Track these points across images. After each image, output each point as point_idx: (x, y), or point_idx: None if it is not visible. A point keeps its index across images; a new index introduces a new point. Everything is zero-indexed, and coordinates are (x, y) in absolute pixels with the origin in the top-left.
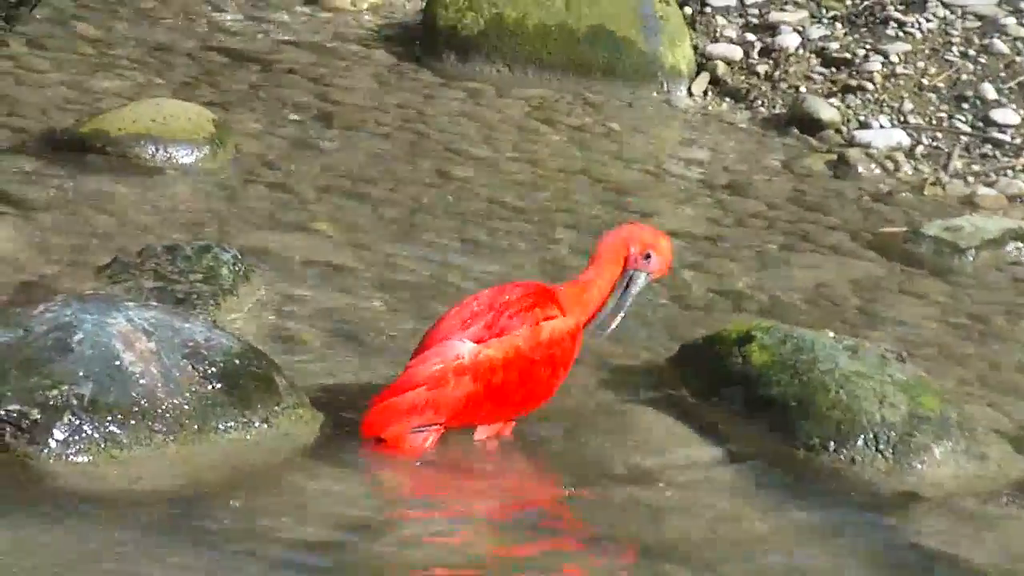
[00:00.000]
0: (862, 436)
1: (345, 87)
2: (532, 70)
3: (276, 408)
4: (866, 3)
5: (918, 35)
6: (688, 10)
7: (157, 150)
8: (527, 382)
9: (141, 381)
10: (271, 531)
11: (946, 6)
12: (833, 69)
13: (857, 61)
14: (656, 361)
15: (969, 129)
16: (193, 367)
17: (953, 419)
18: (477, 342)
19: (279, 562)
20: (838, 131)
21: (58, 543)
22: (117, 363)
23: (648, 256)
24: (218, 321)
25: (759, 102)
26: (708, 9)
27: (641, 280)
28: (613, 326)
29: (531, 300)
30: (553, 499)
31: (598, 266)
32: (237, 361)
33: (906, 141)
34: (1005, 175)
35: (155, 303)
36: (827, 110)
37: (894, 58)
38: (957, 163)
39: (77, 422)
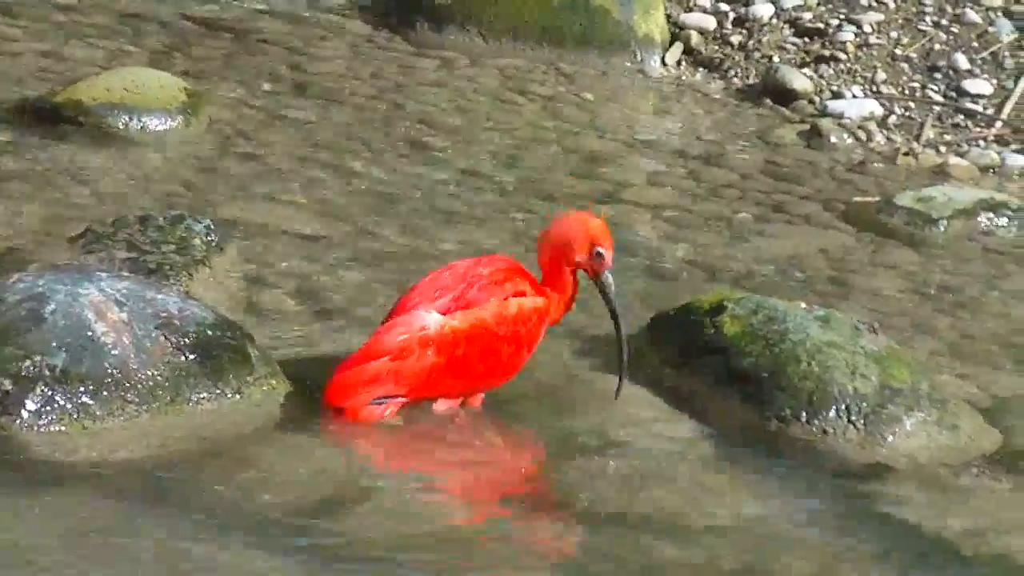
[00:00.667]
0: (834, 407)
1: (319, 57)
2: (506, 40)
3: (248, 379)
4: None
5: (891, 5)
6: None
7: (130, 119)
8: (490, 357)
9: (113, 352)
10: (242, 502)
11: None
12: (806, 39)
13: (830, 31)
14: (630, 331)
15: (941, 99)
16: (165, 338)
17: (924, 390)
18: (444, 314)
19: (251, 532)
20: (811, 101)
21: (30, 513)
22: (89, 334)
23: (599, 254)
24: (191, 292)
25: (732, 72)
26: None
27: (610, 278)
28: (625, 332)
29: (502, 275)
30: (525, 469)
31: (551, 277)
32: (210, 332)
33: (879, 111)
34: (977, 145)
35: (128, 273)
36: (800, 80)
37: (867, 28)
38: (929, 133)
39: (50, 393)
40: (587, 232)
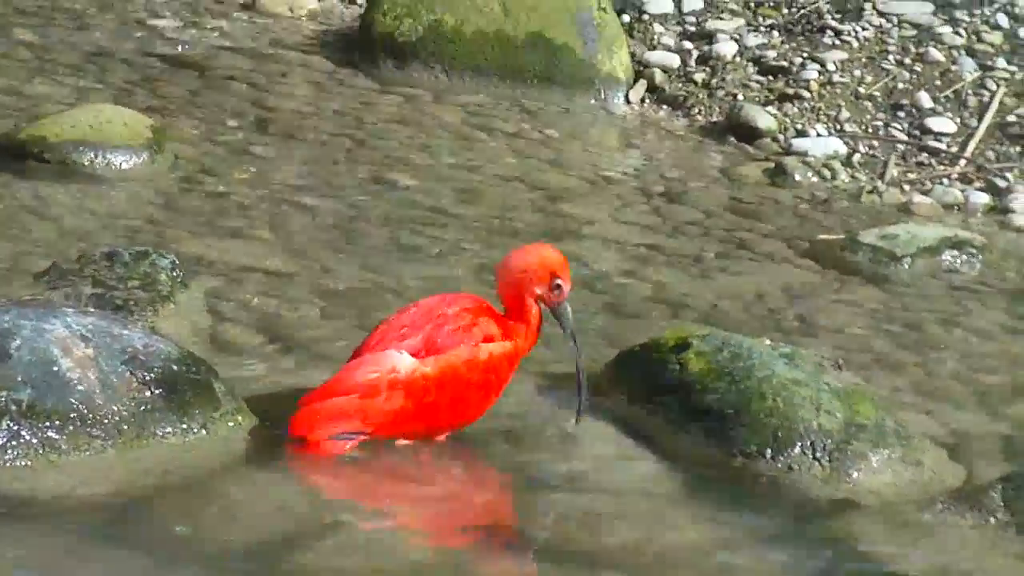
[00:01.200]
0: (799, 444)
1: (283, 93)
2: (469, 76)
3: (214, 414)
4: (803, 11)
5: (855, 43)
6: (626, 17)
7: (95, 156)
8: (458, 403)
9: (79, 387)
10: (207, 537)
11: (882, 15)
12: (770, 77)
13: (794, 69)
14: (592, 368)
15: (905, 137)
16: (131, 373)
17: (889, 427)
18: (414, 355)
19: (216, 569)
20: (775, 139)
21: None
22: (55, 369)
23: (558, 286)
24: (156, 327)
25: (696, 110)
26: (646, 17)
27: (567, 310)
28: (582, 359)
29: (470, 316)
30: (487, 505)
31: (514, 312)
32: (175, 367)
33: (843, 149)
34: (941, 183)
35: (93, 309)
36: (764, 118)
37: (831, 66)
38: (893, 171)
39: (15, 427)
40: (545, 264)
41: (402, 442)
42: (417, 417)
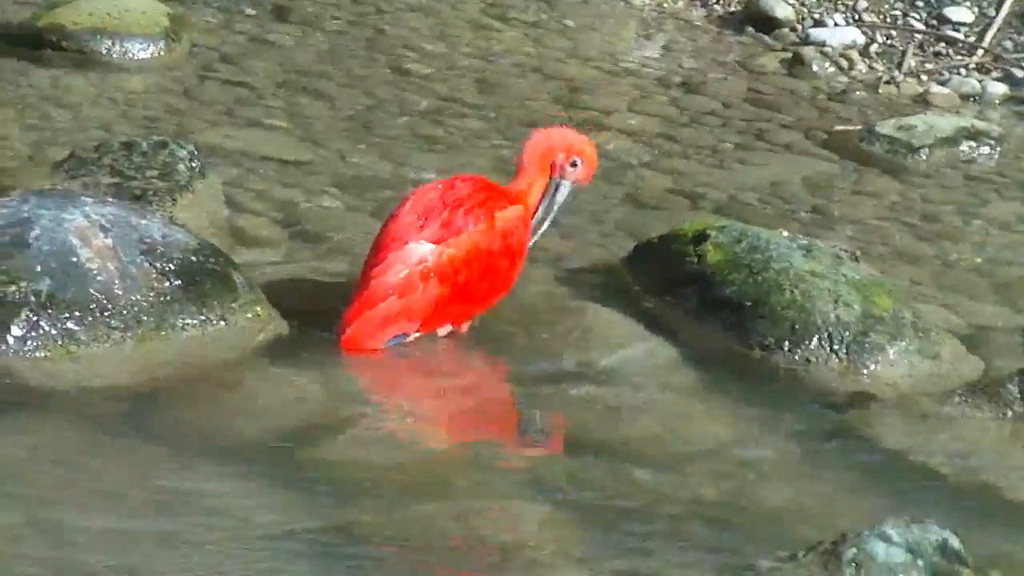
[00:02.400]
0: (816, 336)
1: None
2: None
3: (233, 305)
4: None
5: None
6: None
7: (113, 44)
8: (489, 275)
9: (98, 277)
10: (226, 429)
11: None
12: None
13: None
14: (611, 260)
15: (923, 27)
16: (150, 264)
17: (907, 318)
18: (436, 243)
19: (233, 460)
20: (793, 29)
21: (13, 438)
22: (74, 259)
23: (575, 164)
24: (175, 217)
25: (714, 0)
26: None
27: (566, 189)
28: (539, 234)
29: (482, 195)
30: (506, 397)
31: (526, 176)
32: (194, 258)
33: (860, 39)
34: (958, 73)
35: (112, 199)
36: (782, 8)
37: None
38: (911, 61)
39: (35, 318)
40: (582, 145)
41: (444, 331)
42: (456, 299)
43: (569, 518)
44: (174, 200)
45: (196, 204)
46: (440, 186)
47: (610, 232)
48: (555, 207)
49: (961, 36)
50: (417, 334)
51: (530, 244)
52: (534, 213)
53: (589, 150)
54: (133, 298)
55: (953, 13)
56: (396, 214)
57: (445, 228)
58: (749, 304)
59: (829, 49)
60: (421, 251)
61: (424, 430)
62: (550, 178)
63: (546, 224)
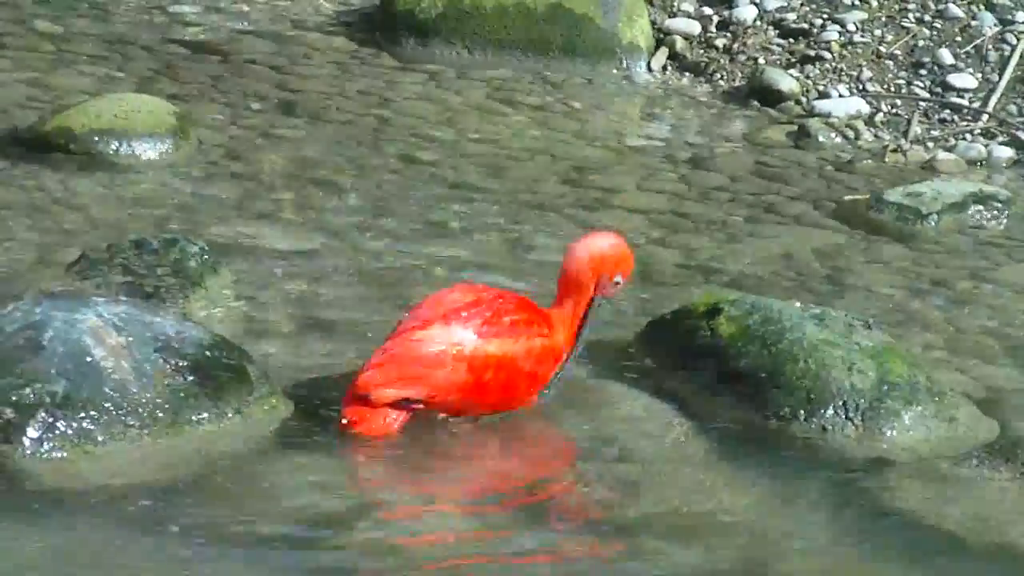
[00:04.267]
0: (832, 404)
1: (306, 75)
2: (491, 51)
3: (249, 398)
4: None
5: (874, 3)
6: None
7: (121, 145)
8: (510, 389)
9: (113, 376)
10: (246, 523)
11: None
12: (791, 40)
13: (814, 31)
14: (625, 336)
15: (927, 95)
16: (165, 360)
17: (921, 383)
18: (477, 335)
19: (255, 554)
20: (798, 102)
21: (34, 541)
22: (89, 359)
23: (617, 283)
24: (188, 314)
25: (718, 75)
26: None
27: (601, 305)
28: (577, 353)
29: (526, 314)
30: (525, 478)
31: (573, 297)
32: (208, 353)
33: (865, 109)
34: (964, 139)
35: (124, 298)
36: (786, 81)
37: (851, 27)
38: (917, 129)
39: (51, 419)
40: (626, 261)
41: (442, 416)
42: (471, 392)
43: None
44: (186, 296)
45: (208, 299)
46: (486, 292)
47: (623, 309)
48: (588, 326)
49: (965, 102)
50: (419, 407)
51: (568, 363)
52: (575, 335)
53: (630, 263)
54: (148, 395)
55: (957, 80)
56: (437, 296)
57: (488, 325)
58: (764, 375)
59: (835, 120)
60: (461, 335)
61: (444, 514)
62: (592, 296)
63: (581, 347)
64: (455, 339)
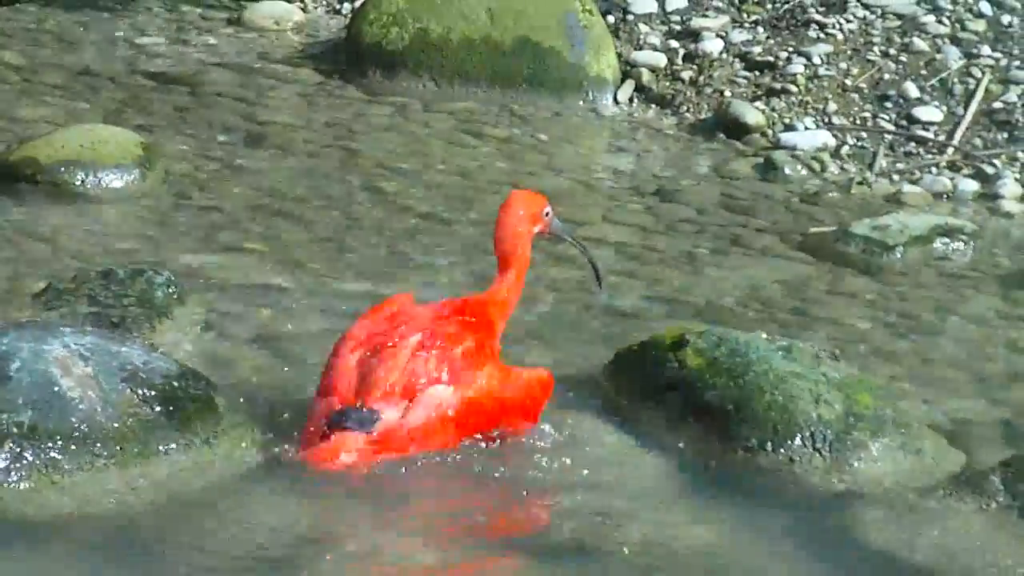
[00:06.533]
0: (799, 436)
1: (272, 107)
2: (458, 84)
3: (216, 429)
4: (787, 6)
5: (839, 36)
6: (611, 18)
7: (87, 176)
8: (490, 424)
9: (80, 406)
10: (212, 553)
11: (866, 7)
12: (757, 73)
13: (780, 64)
14: (591, 369)
15: (893, 128)
16: (132, 390)
17: (888, 415)
18: (441, 382)
19: None
20: (764, 134)
21: (0, 569)
22: (56, 389)
23: (547, 213)
24: (155, 344)
25: (685, 108)
26: (630, 17)
27: (560, 226)
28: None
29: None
30: (492, 510)
31: (514, 259)
32: (176, 383)
33: (831, 142)
34: (930, 172)
35: (91, 328)
36: (752, 114)
37: (816, 60)
38: (882, 162)
39: (17, 449)
40: (538, 200)
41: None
42: (456, 435)
43: None
44: (153, 327)
45: (175, 330)
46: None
47: (589, 341)
48: (571, 236)
49: (931, 135)
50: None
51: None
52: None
53: (538, 198)
54: (115, 425)
55: (922, 113)
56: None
57: (450, 369)
58: (731, 407)
59: (800, 152)
60: (441, 395)
61: (414, 546)
62: (550, 233)
63: (583, 246)
64: (435, 402)
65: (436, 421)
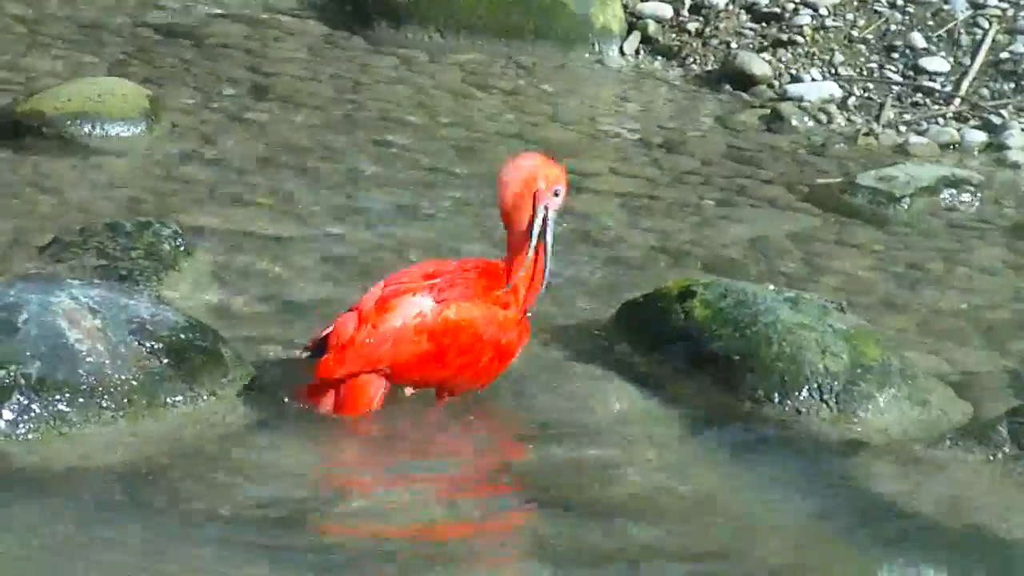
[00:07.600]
0: (806, 387)
1: (278, 59)
2: (464, 35)
3: (223, 380)
4: None
5: None
6: None
7: (94, 128)
8: (470, 354)
9: (88, 359)
10: (220, 504)
11: None
12: (763, 24)
13: (787, 15)
14: (599, 320)
15: (900, 79)
16: (139, 343)
17: (895, 366)
18: (437, 302)
19: (227, 532)
20: (770, 85)
21: (8, 523)
22: (63, 341)
23: (557, 193)
24: (162, 296)
25: (691, 59)
26: None
27: (553, 220)
28: (548, 275)
29: (486, 281)
30: (498, 460)
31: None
32: (183, 335)
33: (838, 93)
34: (936, 123)
35: (99, 280)
36: (759, 65)
37: (823, 11)
38: (889, 113)
39: (25, 401)
40: (559, 174)
41: (409, 391)
42: (433, 360)
43: None
44: (160, 279)
45: (182, 282)
46: (447, 264)
47: (595, 292)
48: (551, 242)
49: (938, 86)
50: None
51: (547, 284)
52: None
53: (562, 173)
54: (123, 377)
55: (929, 63)
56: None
57: (446, 290)
58: (738, 358)
59: (807, 104)
60: (421, 305)
61: (418, 497)
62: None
63: (548, 266)
64: (415, 310)
65: (411, 329)
